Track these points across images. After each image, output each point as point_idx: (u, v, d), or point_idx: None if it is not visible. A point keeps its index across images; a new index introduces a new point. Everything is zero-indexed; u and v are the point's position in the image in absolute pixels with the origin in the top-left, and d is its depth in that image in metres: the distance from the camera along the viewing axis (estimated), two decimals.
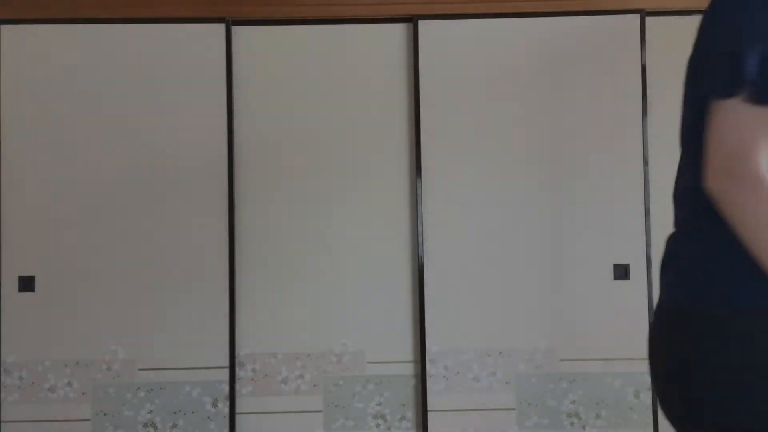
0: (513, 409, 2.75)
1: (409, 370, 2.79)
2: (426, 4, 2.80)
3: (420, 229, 2.77)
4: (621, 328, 2.72)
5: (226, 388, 2.74)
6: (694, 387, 0.97)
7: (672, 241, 1.10)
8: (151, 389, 2.74)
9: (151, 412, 2.74)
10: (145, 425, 2.74)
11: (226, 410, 2.74)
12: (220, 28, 2.80)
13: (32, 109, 2.77)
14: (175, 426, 2.74)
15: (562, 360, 2.74)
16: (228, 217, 2.77)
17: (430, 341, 2.75)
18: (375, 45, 2.84)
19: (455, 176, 2.77)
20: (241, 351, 2.77)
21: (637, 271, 2.73)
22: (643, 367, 2.68)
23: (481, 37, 2.80)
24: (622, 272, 2.74)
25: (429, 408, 2.74)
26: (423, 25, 2.81)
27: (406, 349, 2.79)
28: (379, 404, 2.77)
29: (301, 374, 2.77)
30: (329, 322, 2.78)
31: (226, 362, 2.74)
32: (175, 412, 2.74)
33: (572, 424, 2.74)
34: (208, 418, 2.74)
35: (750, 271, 0.95)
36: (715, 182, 0.95)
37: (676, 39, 2.65)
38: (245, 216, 2.80)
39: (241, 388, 2.77)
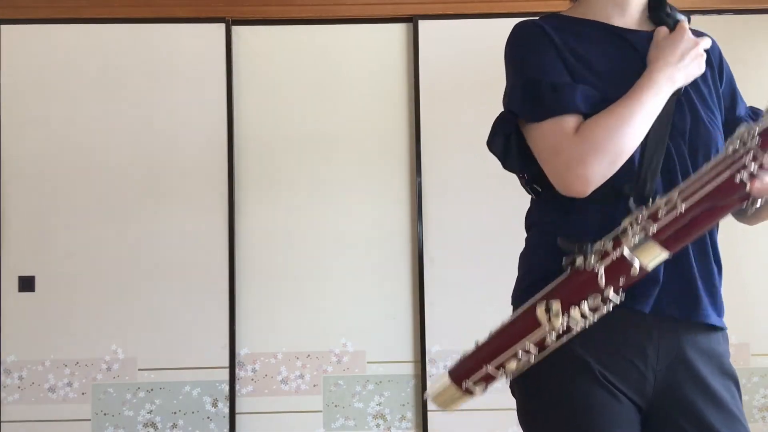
0: (513, 409, 2.75)
1: (409, 370, 2.78)
2: (426, 4, 2.80)
3: (420, 228, 2.77)
4: None
5: (226, 388, 2.74)
6: None
7: None
8: (151, 389, 2.74)
9: (151, 412, 2.74)
10: (145, 425, 2.74)
11: (226, 410, 2.74)
12: (220, 28, 2.80)
13: (32, 109, 2.77)
14: (175, 426, 2.74)
15: None
16: (228, 217, 2.77)
17: (430, 341, 2.75)
18: (375, 45, 2.84)
19: (455, 176, 2.77)
20: (241, 351, 2.77)
21: None
22: None
23: (481, 37, 2.80)
24: None
25: (429, 408, 2.74)
26: (423, 25, 2.81)
27: (406, 349, 2.79)
28: (379, 404, 2.77)
29: (301, 374, 2.77)
30: (329, 322, 2.78)
31: (226, 362, 2.74)
32: (175, 412, 2.74)
33: None
34: (208, 418, 2.74)
35: (525, 278, 1.15)
36: (563, 181, 1.06)
37: None
38: (245, 216, 2.80)
39: (241, 388, 2.77)
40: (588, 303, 0.97)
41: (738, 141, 0.93)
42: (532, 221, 1.19)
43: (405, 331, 2.79)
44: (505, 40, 1.19)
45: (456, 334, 2.74)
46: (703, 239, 1.07)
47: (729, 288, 3.04)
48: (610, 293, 0.97)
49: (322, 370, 2.78)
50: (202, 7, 2.79)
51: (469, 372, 1.07)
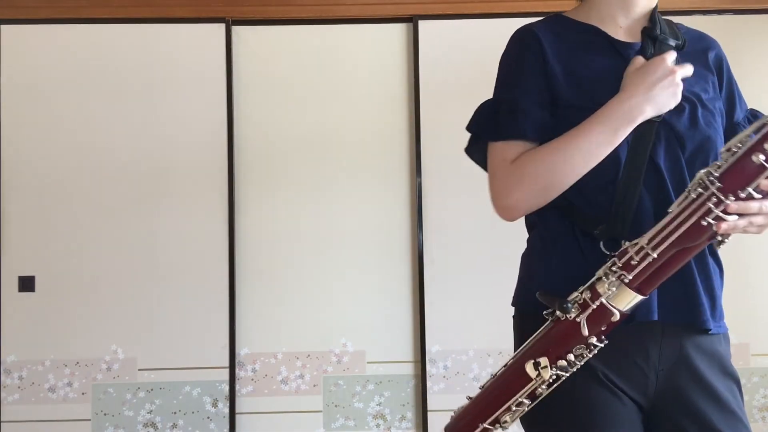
0: None
1: (409, 370, 2.78)
2: (426, 4, 2.80)
3: (420, 228, 2.77)
4: None
5: (226, 388, 2.74)
6: None
7: None
8: (151, 389, 2.74)
9: (151, 412, 2.74)
10: (145, 425, 2.74)
11: (226, 410, 2.74)
12: (220, 28, 2.80)
13: (32, 109, 2.77)
14: (175, 426, 2.74)
15: None
16: (228, 217, 2.77)
17: (430, 341, 2.75)
18: (375, 45, 2.84)
19: (455, 176, 2.77)
20: (241, 351, 2.77)
21: None
22: None
23: (481, 37, 2.80)
24: None
25: (429, 408, 2.74)
26: (423, 25, 2.81)
27: (406, 349, 2.79)
28: (379, 404, 2.77)
29: (301, 374, 2.77)
30: (329, 322, 2.78)
31: (226, 362, 2.74)
32: (175, 412, 2.74)
33: None
34: (208, 418, 2.74)
35: (527, 281, 1.15)
36: (500, 207, 1.12)
37: None
38: (245, 216, 2.80)
39: (241, 388, 2.77)
40: (574, 353, 1.00)
41: (698, 186, 0.95)
42: (532, 221, 1.19)
43: (405, 331, 2.79)
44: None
45: (456, 334, 2.74)
46: None
47: (729, 288, 3.03)
48: (594, 340, 1.00)
49: (322, 370, 2.78)
50: (202, 7, 2.79)
51: (465, 430, 1.08)
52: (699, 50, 1.15)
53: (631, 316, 1.02)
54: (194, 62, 2.80)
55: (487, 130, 1.15)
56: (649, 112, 1.03)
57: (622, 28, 1.13)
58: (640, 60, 1.06)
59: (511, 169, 1.08)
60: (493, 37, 2.80)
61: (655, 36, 1.10)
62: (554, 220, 1.11)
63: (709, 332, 1.07)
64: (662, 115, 1.05)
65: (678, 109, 1.06)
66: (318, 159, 2.81)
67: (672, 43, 1.10)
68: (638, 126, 1.04)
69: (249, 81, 2.83)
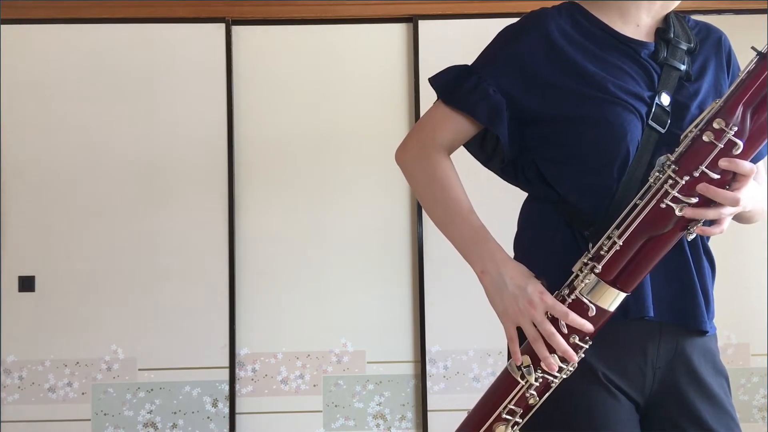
0: None
1: (409, 370, 2.78)
2: (426, 4, 2.80)
3: (420, 228, 2.77)
4: None
5: (226, 388, 2.74)
6: None
7: None
8: (151, 389, 2.74)
9: (151, 412, 2.74)
10: (145, 425, 2.74)
11: (226, 410, 2.74)
12: (220, 28, 2.80)
13: (32, 109, 2.77)
14: (175, 426, 2.74)
15: None
16: (228, 217, 2.77)
17: (430, 341, 2.75)
18: (375, 45, 2.84)
19: None
20: (241, 351, 2.77)
21: None
22: None
23: (481, 37, 2.79)
24: None
25: (429, 408, 2.74)
26: (423, 25, 2.81)
27: (406, 349, 2.79)
28: (379, 404, 2.77)
29: (301, 374, 2.77)
30: (329, 322, 2.78)
31: (226, 362, 2.74)
32: (175, 412, 2.74)
33: None
34: (208, 418, 2.74)
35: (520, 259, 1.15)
36: (397, 151, 1.25)
37: None
38: (245, 216, 2.80)
39: (241, 388, 2.77)
40: (558, 354, 0.99)
41: (657, 171, 0.96)
42: (525, 218, 1.22)
43: (405, 331, 2.79)
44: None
45: (456, 334, 2.74)
46: (696, 245, 1.07)
47: (729, 288, 3.02)
48: (577, 340, 0.99)
49: (322, 370, 2.78)
50: (202, 7, 2.79)
51: None
52: (712, 46, 1.15)
53: (625, 312, 1.02)
54: (194, 62, 2.80)
55: (445, 91, 1.17)
56: (483, 278, 1.13)
57: (639, 26, 1.12)
58: (537, 293, 1.03)
59: (427, 150, 1.18)
60: (493, 37, 2.80)
61: (668, 39, 1.09)
62: (548, 214, 1.12)
63: (706, 334, 1.08)
64: (667, 124, 1.04)
65: (684, 119, 1.05)
66: (318, 159, 2.81)
67: (684, 46, 1.10)
68: (643, 134, 1.03)
69: (249, 81, 2.83)
